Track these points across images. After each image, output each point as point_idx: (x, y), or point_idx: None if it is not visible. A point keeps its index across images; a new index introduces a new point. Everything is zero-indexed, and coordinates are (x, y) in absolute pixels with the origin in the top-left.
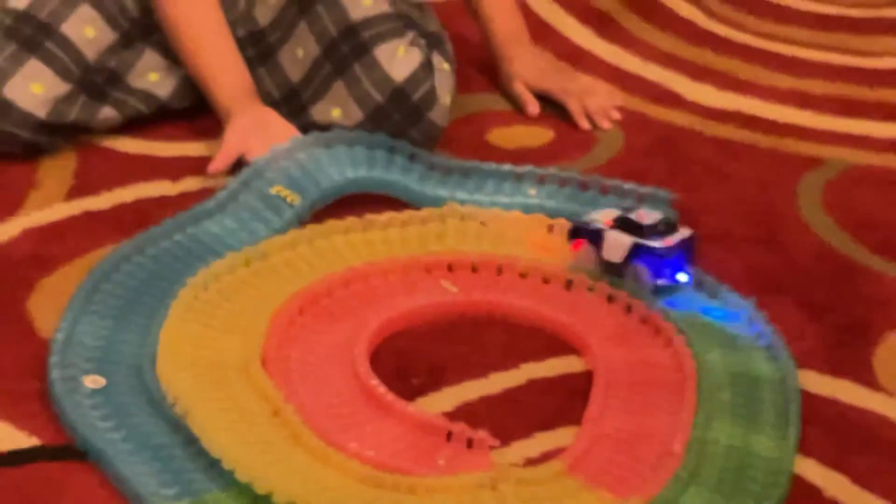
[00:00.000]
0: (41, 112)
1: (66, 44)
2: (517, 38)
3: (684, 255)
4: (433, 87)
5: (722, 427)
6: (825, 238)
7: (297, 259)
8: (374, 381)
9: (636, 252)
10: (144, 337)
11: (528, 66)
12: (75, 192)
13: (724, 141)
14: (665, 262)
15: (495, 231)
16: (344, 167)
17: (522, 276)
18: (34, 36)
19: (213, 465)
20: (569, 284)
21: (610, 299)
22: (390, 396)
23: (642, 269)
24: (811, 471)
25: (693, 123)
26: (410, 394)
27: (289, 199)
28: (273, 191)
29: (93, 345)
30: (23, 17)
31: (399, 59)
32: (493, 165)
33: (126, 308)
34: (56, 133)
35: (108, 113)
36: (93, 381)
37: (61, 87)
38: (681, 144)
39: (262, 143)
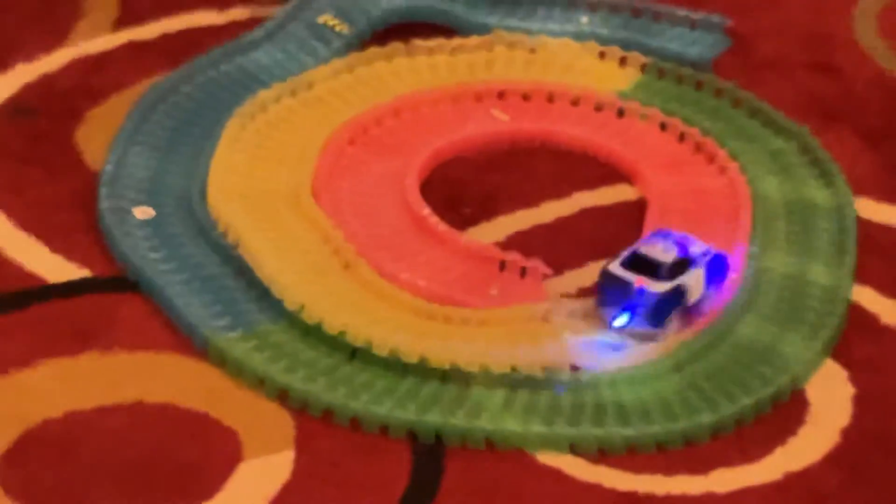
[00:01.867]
0: None
1: None
2: None
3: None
4: None
5: (777, 255)
6: (881, 64)
7: (343, 88)
8: (426, 211)
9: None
10: (193, 168)
11: None
12: (122, 21)
13: None
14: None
15: (545, 59)
16: None
17: (574, 103)
18: None
19: (263, 297)
20: (621, 112)
21: (663, 127)
22: (442, 226)
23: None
24: (868, 298)
25: None
26: (462, 223)
27: (337, 28)
28: (321, 20)
29: (142, 176)
30: None
31: None
32: None
33: (174, 139)
34: None
35: None
36: (142, 212)
37: None
38: None
39: None
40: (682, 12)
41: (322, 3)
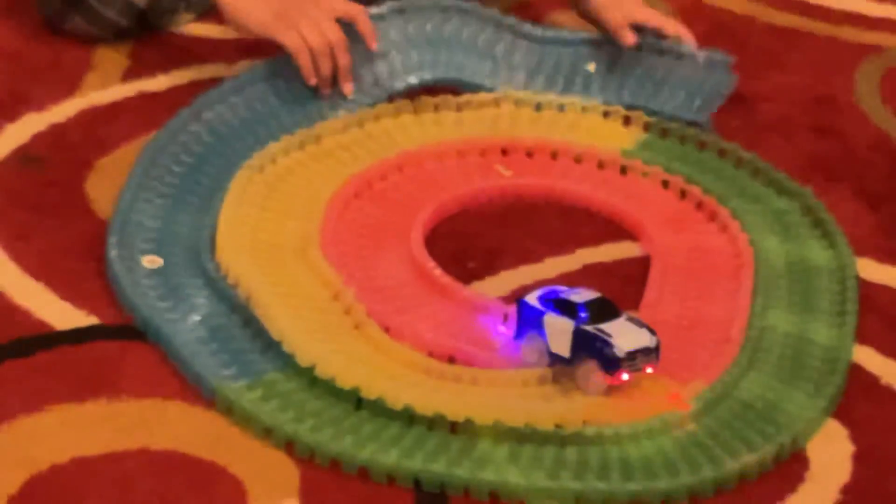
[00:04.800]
0: (141, 1)
1: None
2: None
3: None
4: None
5: (779, 314)
6: (882, 127)
7: (351, 142)
8: (431, 264)
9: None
10: (201, 218)
11: None
12: (131, 73)
13: (781, 28)
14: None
15: (550, 117)
16: (415, 70)
17: (577, 160)
18: None
19: (270, 347)
20: (623, 170)
21: (665, 184)
22: (447, 279)
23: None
24: (868, 359)
25: (749, 10)
26: (466, 278)
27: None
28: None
29: (150, 225)
30: None
31: None
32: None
33: (182, 187)
34: (147, 22)
35: None
36: (150, 262)
37: None
38: (737, 31)
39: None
40: (686, 48)
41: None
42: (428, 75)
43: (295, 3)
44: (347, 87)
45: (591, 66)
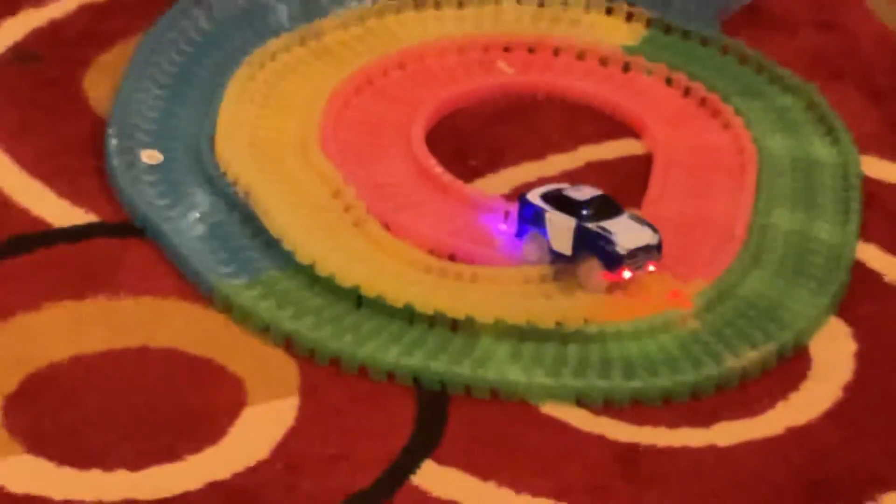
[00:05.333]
0: None
1: None
2: None
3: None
4: None
5: (783, 212)
6: (887, 23)
7: (352, 39)
8: (432, 162)
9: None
10: (201, 113)
11: None
12: None
13: None
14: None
15: (552, 13)
16: None
17: (579, 57)
18: None
19: (270, 245)
20: (626, 67)
21: (668, 82)
22: (448, 177)
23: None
24: (872, 256)
25: None
26: (468, 175)
27: None
28: None
29: (149, 117)
30: None
31: None
32: None
33: (181, 78)
34: None
35: None
36: (150, 156)
37: None
38: None
39: None
40: None
41: None
42: None
43: None
44: None
45: None
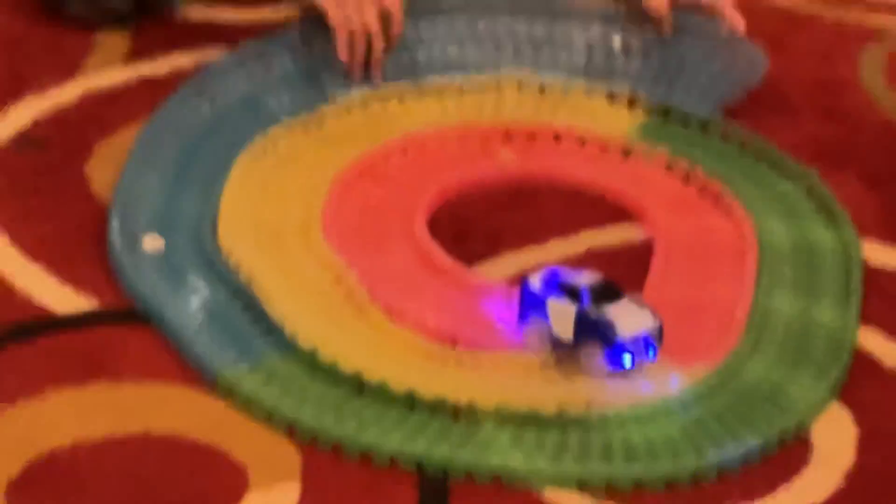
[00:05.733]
0: None
1: None
2: None
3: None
4: None
5: (784, 297)
6: (888, 110)
7: (354, 125)
8: (434, 248)
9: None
10: (203, 199)
11: None
12: (132, 57)
13: (787, 11)
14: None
15: (553, 100)
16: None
17: (580, 144)
18: None
19: (271, 332)
20: (626, 153)
21: (668, 168)
22: (450, 262)
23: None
24: (872, 341)
25: None
26: (469, 260)
27: None
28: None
29: (152, 203)
30: None
31: None
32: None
33: (184, 164)
34: (148, 6)
35: None
36: (152, 241)
37: None
38: (741, 14)
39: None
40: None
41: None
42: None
43: None
44: (377, 74)
45: (616, 43)
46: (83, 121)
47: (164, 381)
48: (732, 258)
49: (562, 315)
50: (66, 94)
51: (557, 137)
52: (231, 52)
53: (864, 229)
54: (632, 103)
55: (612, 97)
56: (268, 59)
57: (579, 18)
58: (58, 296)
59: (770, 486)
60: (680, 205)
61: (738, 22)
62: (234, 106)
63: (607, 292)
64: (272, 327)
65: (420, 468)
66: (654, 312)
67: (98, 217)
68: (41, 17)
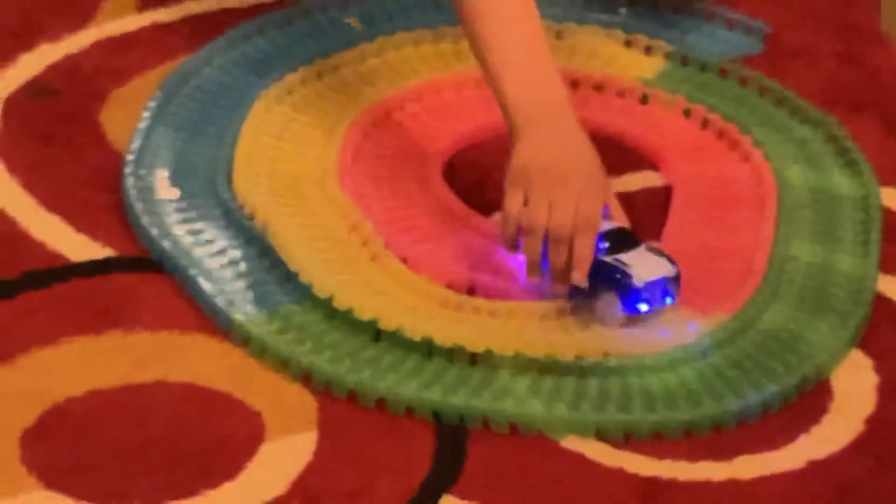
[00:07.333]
0: None
1: None
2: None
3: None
4: None
5: (803, 244)
6: None
7: (369, 72)
8: (450, 195)
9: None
10: (218, 150)
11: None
12: (146, 2)
13: None
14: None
15: (570, 45)
16: None
17: (597, 89)
18: None
19: (287, 279)
20: (644, 99)
21: (686, 114)
22: (466, 210)
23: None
24: (893, 289)
25: None
26: (486, 208)
27: (353, 25)
28: (347, 20)
29: (166, 156)
30: None
31: None
32: None
33: (199, 119)
34: None
35: None
36: (167, 192)
37: None
38: None
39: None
40: (719, 10)
41: (352, 7)
42: None
43: (561, 173)
44: (578, 276)
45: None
46: (97, 69)
47: (179, 330)
48: (751, 205)
49: None
50: (79, 41)
51: (575, 83)
52: (247, 23)
53: (884, 175)
54: (648, 49)
55: (629, 43)
56: (284, 28)
57: None
58: (73, 244)
59: (790, 433)
60: (698, 151)
61: None
62: (252, 63)
63: (624, 239)
64: (288, 275)
65: (437, 415)
66: (672, 260)
67: (112, 165)
68: None
